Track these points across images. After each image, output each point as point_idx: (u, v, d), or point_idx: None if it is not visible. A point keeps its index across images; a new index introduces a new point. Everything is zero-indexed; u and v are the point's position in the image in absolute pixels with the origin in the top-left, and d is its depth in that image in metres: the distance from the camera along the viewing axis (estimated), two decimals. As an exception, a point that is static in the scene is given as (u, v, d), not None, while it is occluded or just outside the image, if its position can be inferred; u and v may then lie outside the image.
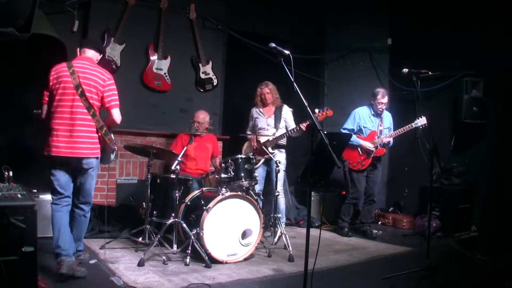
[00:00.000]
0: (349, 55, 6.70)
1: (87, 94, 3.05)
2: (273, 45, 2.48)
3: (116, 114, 3.15)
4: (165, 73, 5.14)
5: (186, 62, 5.43)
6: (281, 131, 4.67)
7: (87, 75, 3.09)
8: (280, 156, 4.65)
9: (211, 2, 5.63)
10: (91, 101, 3.07)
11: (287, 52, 2.44)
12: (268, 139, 4.60)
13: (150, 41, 5.10)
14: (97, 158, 3.19)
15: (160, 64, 5.11)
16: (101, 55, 3.37)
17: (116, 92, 3.19)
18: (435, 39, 5.90)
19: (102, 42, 4.73)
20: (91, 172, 3.18)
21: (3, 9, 1.76)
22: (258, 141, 4.61)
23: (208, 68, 5.51)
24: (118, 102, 3.17)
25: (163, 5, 5.10)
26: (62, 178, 3.12)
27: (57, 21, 4.41)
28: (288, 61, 2.44)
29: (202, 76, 5.49)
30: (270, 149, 4.55)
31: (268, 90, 4.72)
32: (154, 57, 5.08)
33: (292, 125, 4.69)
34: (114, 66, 4.81)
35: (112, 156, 3.30)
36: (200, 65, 5.46)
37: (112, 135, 3.21)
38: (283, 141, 4.69)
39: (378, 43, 6.57)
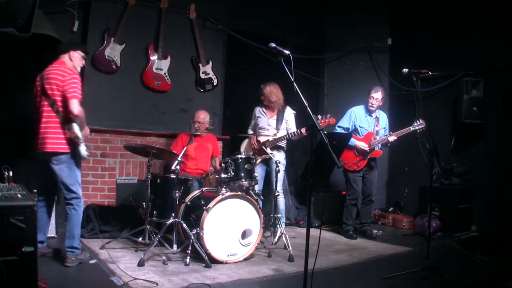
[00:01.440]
0: (349, 55, 6.70)
1: (48, 92, 3.25)
2: (273, 45, 2.48)
3: (72, 104, 3.18)
4: (165, 73, 5.14)
5: (186, 62, 5.43)
6: (282, 132, 4.65)
7: (49, 75, 3.28)
8: (279, 157, 4.63)
9: (211, 2, 5.63)
10: (53, 97, 3.25)
11: (287, 52, 2.44)
12: (268, 139, 4.60)
13: (150, 41, 5.10)
14: (66, 153, 3.27)
15: (160, 64, 5.11)
16: (68, 52, 3.42)
17: (76, 86, 3.24)
18: (435, 39, 5.90)
19: (102, 42, 4.74)
20: (64, 168, 3.28)
21: (3, 9, 1.76)
22: (258, 141, 4.62)
23: (208, 68, 5.51)
24: (76, 94, 3.21)
25: (163, 5, 5.10)
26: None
27: (57, 21, 4.42)
28: (288, 61, 2.44)
29: (202, 76, 5.49)
30: (269, 149, 4.55)
31: (266, 92, 4.65)
32: (154, 57, 5.08)
33: (293, 127, 4.67)
34: (114, 66, 4.81)
35: (82, 151, 3.29)
36: (200, 65, 5.46)
37: (75, 130, 3.21)
38: (283, 143, 4.69)
39: (378, 43, 6.57)
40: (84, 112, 3.26)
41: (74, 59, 3.43)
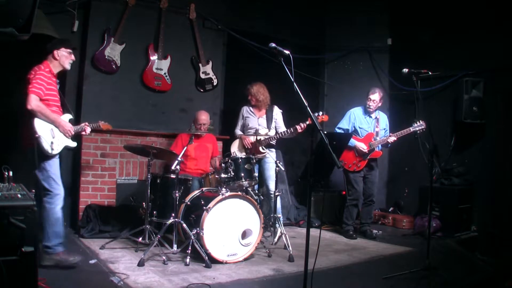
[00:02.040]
0: (349, 55, 6.70)
1: (25, 91, 3.25)
2: (273, 45, 2.48)
3: (28, 99, 3.20)
4: (165, 73, 5.14)
5: (186, 62, 5.42)
6: (272, 131, 4.72)
7: (27, 75, 3.30)
8: (272, 156, 4.70)
9: (211, 2, 5.63)
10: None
11: (287, 52, 2.44)
12: (260, 139, 4.61)
13: (150, 41, 5.10)
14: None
15: (160, 64, 5.10)
16: (52, 52, 3.40)
17: (36, 81, 3.24)
18: (435, 39, 5.90)
19: (102, 42, 4.74)
20: (35, 162, 3.24)
21: (3, 9, 1.76)
22: (258, 140, 4.62)
23: (208, 68, 5.51)
24: (34, 89, 3.21)
25: (163, 5, 5.10)
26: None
27: (57, 21, 4.42)
28: (288, 61, 2.43)
29: (202, 76, 5.49)
30: (261, 148, 4.61)
31: (254, 91, 4.72)
32: (154, 57, 5.08)
33: (281, 126, 4.77)
34: (114, 66, 4.81)
35: (44, 146, 3.23)
36: (200, 65, 5.46)
37: (34, 125, 3.20)
38: (273, 141, 4.75)
39: (378, 43, 6.57)
40: (43, 108, 3.24)
41: (60, 58, 3.42)
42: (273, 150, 4.81)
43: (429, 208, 3.93)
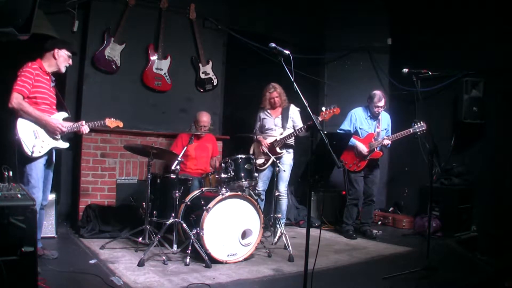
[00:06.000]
0: (349, 55, 6.69)
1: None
2: (273, 45, 2.48)
3: (11, 96, 3.14)
4: (165, 73, 5.14)
5: (186, 62, 5.43)
6: (289, 131, 4.63)
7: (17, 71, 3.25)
8: (287, 157, 4.64)
9: (211, 2, 5.63)
10: None
11: (287, 52, 2.44)
12: (276, 139, 4.59)
13: (150, 41, 5.10)
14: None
15: (160, 64, 5.11)
16: (53, 50, 3.33)
17: (21, 79, 3.18)
18: (435, 39, 5.90)
19: (102, 42, 4.73)
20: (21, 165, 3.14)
21: (3, 9, 1.76)
22: (274, 141, 4.58)
23: (208, 68, 5.51)
24: (17, 87, 3.15)
25: (163, 5, 5.10)
26: None
27: (57, 21, 4.43)
28: (288, 61, 2.44)
29: (202, 76, 5.49)
30: (278, 149, 4.55)
31: (277, 94, 4.66)
32: (154, 57, 5.08)
33: (299, 124, 4.67)
34: (114, 66, 4.81)
35: (25, 148, 3.12)
36: (200, 65, 5.46)
37: (16, 125, 3.13)
38: (291, 141, 4.67)
39: (378, 43, 6.57)
40: (24, 106, 3.14)
41: (59, 58, 3.34)
42: (291, 150, 4.71)
43: (429, 208, 3.93)
